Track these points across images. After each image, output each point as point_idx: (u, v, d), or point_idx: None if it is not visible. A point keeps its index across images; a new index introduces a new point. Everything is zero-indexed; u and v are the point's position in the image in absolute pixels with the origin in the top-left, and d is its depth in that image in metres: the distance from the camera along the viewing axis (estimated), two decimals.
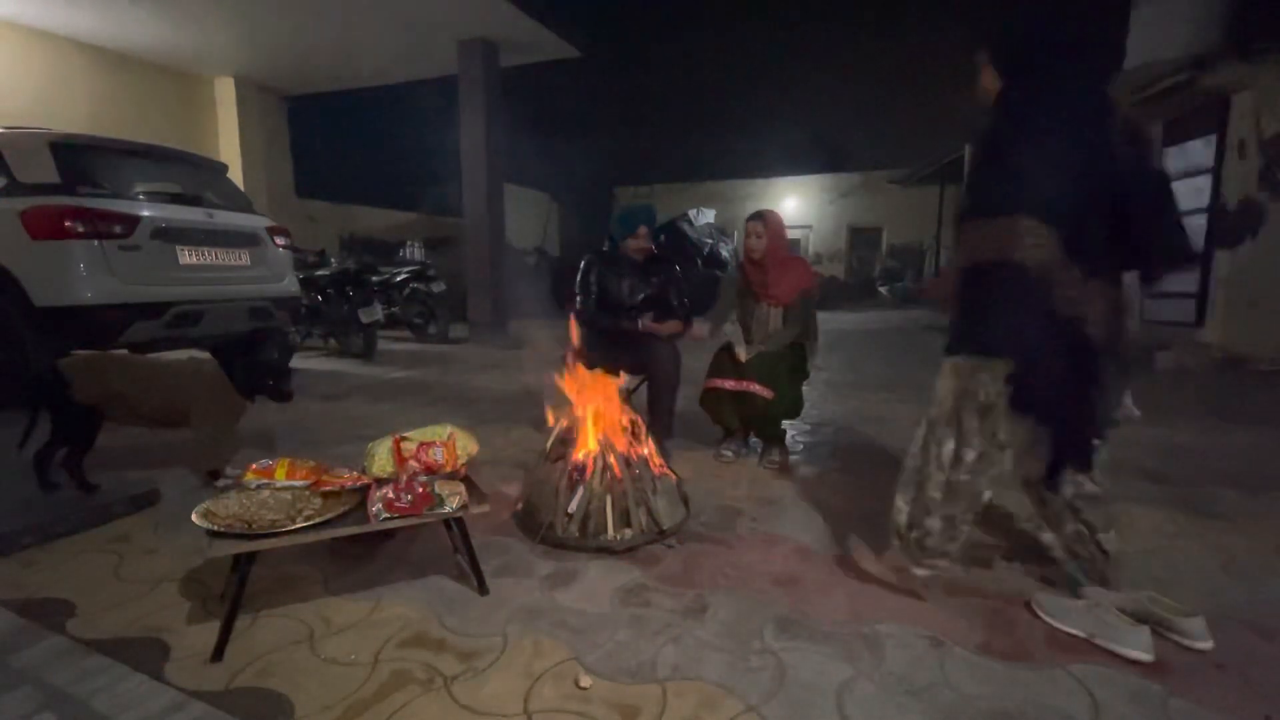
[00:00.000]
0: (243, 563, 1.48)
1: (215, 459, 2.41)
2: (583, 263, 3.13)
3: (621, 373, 2.57)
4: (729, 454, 2.95)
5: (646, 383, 3.02)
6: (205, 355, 2.47)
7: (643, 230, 3.03)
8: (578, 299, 3.07)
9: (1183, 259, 1.52)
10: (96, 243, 3.61)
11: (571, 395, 2.27)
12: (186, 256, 4.07)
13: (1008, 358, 1.52)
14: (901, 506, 1.70)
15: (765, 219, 2.81)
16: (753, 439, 3.04)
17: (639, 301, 3.06)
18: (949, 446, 1.61)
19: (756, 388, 2.73)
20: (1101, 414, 1.58)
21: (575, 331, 2.81)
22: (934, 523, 1.63)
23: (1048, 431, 1.57)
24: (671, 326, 3.01)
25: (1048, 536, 1.81)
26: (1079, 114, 1.48)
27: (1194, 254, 1.56)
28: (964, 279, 1.59)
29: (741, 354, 2.82)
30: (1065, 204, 1.46)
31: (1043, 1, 1.63)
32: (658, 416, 2.97)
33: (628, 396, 2.52)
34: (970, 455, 1.58)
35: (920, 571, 1.69)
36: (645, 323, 2.98)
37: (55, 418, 2.23)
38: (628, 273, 3.07)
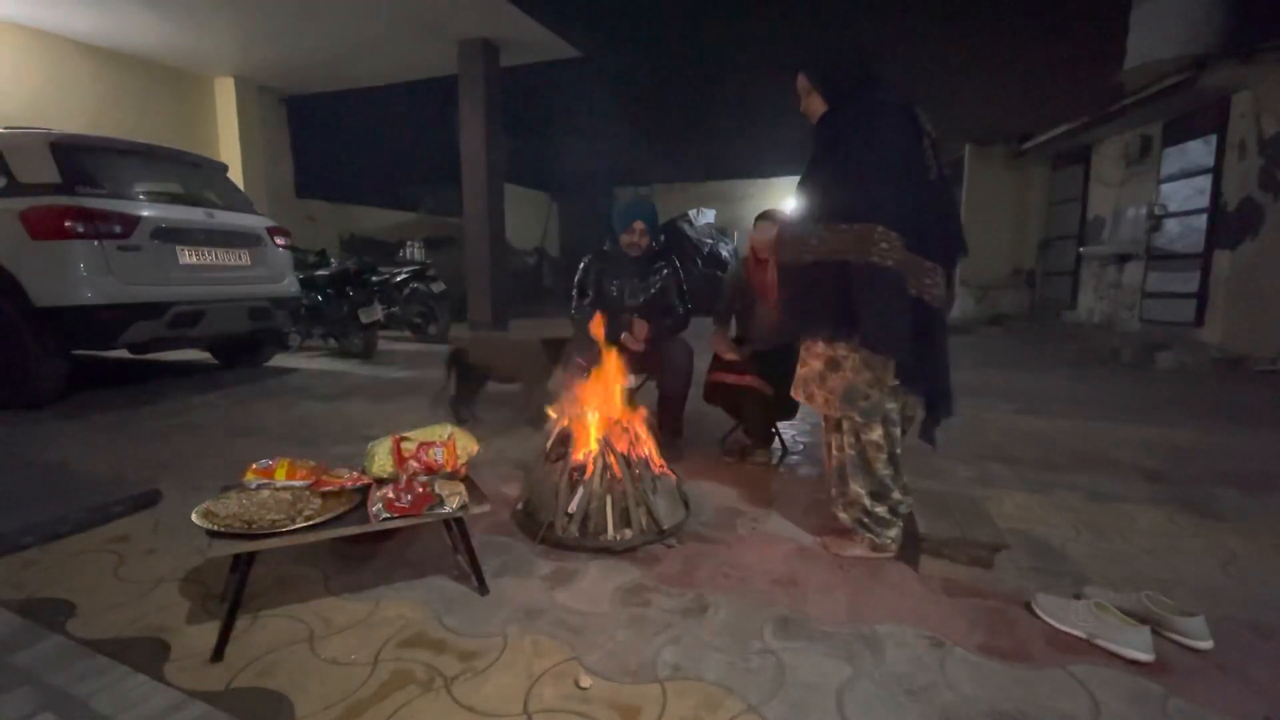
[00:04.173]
0: (243, 563, 1.48)
1: (536, 406, 3.08)
2: (582, 263, 3.08)
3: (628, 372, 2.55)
4: (733, 449, 2.95)
5: (657, 381, 2.99)
6: (533, 337, 3.40)
7: (637, 226, 2.92)
8: (573, 300, 3.03)
9: (962, 252, 1.91)
10: (96, 243, 3.62)
11: (574, 395, 2.27)
12: (186, 256, 4.07)
13: (895, 352, 1.77)
14: (860, 492, 1.91)
15: (775, 219, 2.78)
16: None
17: (638, 304, 2.99)
18: (878, 430, 1.87)
19: (756, 381, 2.72)
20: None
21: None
22: (897, 494, 1.91)
23: (923, 396, 1.90)
24: (634, 337, 2.89)
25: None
26: (899, 135, 1.78)
27: (965, 248, 1.93)
28: (833, 275, 1.80)
29: (731, 354, 2.83)
30: (907, 211, 1.74)
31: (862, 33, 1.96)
32: (668, 414, 2.93)
33: (632, 396, 2.51)
34: (896, 431, 1.90)
35: (886, 555, 1.91)
36: (625, 335, 2.88)
37: (460, 375, 3.45)
38: (625, 273, 3.00)
